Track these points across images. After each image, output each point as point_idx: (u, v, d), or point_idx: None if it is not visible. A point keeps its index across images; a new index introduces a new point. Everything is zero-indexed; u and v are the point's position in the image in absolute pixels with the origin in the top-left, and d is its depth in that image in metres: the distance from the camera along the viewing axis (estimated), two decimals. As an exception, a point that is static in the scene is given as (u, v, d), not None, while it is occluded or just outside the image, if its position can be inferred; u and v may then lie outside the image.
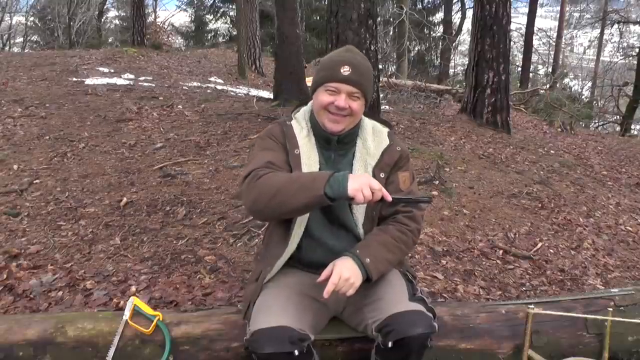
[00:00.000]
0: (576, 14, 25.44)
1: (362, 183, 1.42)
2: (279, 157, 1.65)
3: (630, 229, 3.92)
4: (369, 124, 1.76)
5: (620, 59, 18.94)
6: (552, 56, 19.19)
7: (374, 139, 1.72)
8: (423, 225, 1.74)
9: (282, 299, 1.58)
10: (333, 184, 1.42)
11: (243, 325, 1.67)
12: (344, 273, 1.50)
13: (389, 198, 1.46)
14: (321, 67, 1.68)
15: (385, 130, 1.77)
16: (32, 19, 23.28)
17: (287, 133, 1.70)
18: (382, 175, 1.67)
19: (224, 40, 21.79)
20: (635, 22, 18.47)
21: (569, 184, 4.77)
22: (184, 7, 22.60)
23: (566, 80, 18.71)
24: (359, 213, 1.67)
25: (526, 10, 14.64)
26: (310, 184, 1.43)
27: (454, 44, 20.10)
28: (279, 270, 1.68)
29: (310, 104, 1.76)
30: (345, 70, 1.60)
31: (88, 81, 8.06)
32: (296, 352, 1.45)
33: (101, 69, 9.58)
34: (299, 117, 1.76)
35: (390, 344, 1.47)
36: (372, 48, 4.72)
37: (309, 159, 1.66)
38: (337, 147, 1.70)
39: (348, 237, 1.69)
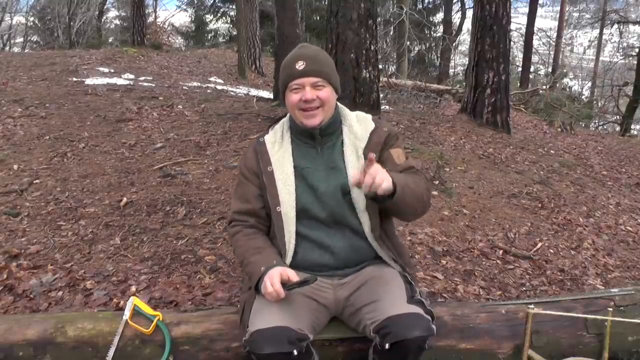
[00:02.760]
0: (576, 14, 25.45)
1: (264, 287, 1.56)
2: (250, 193, 1.75)
3: (630, 229, 3.92)
4: (351, 113, 1.79)
5: (620, 59, 18.94)
6: (552, 56, 19.19)
7: (359, 124, 1.75)
8: (430, 190, 1.74)
9: (280, 300, 1.58)
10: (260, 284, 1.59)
11: (242, 326, 1.67)
12: (378, 176, 1.44)
13: (282, 296, 1.54)
14: (281, 71, 1.71)
15: (369, 116, 1.80)
16: (32, 19, 23.27)
17: (259, 152, 1.75)
18: (373, 155, 1.65)
19: (224, 40, 21.78)
20: (635, 22, 18.48)
21: (569, 184, 4.77)
22: (184, 7, 22.60)
23: (566, 80, 18.69)
24: (359, 198, 1.66)
25: (526, 10, 14.63)
26: (250, 277, 1.65)
27: (454, 44, 20.10)
28: None
29: (289, 113, 1.78)
30: (300, 65, 1.63)
31: (88, 81, 8.06)
32: (295, 352, 1.45)
33: (101, 69, 9.57)
34: (277, 129, 1.79)
35: (387, 346, 1.47)
36: (372, 48, 4.73)
37: (282, 172, 1.70)
38: (322, 140, 1.72)
39: (345, 233, 1.69)
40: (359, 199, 1.66)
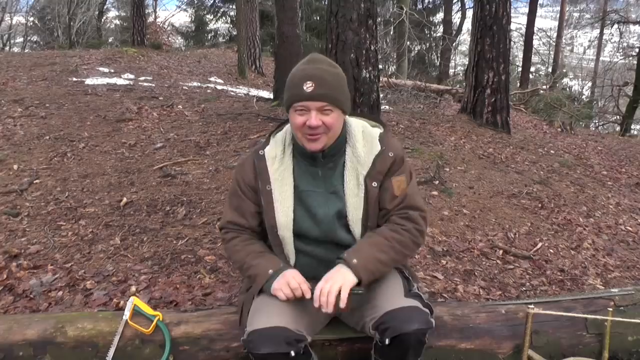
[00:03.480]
0: (576, 14, 25.45)
1: (281, 283, 1.54)
2: (246, 209, 1.68)
3: (630, 229, 3.92)
4: (358, 127, 1.66)
5: (620, 59, 18.93)
6: (552, 56, 19.18)
7: (364, 144, 1.63)
8: (425, 225, 1.66)
9: (278, 301, 1.57)
10: (267, 286, 1.57)
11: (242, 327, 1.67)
12: (323, 285, 1.49)
13: (309, 295, 1.54)
14: (287, 86, 1.58)
15: (377, 132, 1.67)
16: (32, 19, 23.26)
17: (258, 167, 1.65)
18: (374, 184, 1.60)
19: (224, 40, 21.76)
20: (635, 22, 18.46)
21: (569, 184, 4.77)
22: (184, 7, 22.59)
23: (566, 80, 18.69)
24: (356, 225, 1.63)
25: (526, 10, 14.62)
26: (254, 279, 1.61)
27: (454, 44, 20.10)
28: None
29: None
30: (308, 87, 1.50)
31: (88, 81, 8.07)
32: (292, 353, 1.45)
33: (101, 69, 9.58)
34: (278, 140, 1.68)
35: (387, 341, 1.47)
36: (372, 48, 4.72)
37: (282, 193, 1.62)
38: (324, 162, 1.63)
39: (341, 250, 1.64)
40: (355, 227, 1.63)
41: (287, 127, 1.69)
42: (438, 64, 20.89)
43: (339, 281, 1.49)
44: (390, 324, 1.47)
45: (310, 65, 1.56)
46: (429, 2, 22.19)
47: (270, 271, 1.57)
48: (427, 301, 1.62)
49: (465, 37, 21.37)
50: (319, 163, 1.63)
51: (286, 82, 1.60)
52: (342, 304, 1.48)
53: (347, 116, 1.65)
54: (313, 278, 1.68)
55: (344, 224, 1.63)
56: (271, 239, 1.68)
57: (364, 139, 1.64)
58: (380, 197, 1.63)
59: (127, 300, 1.84)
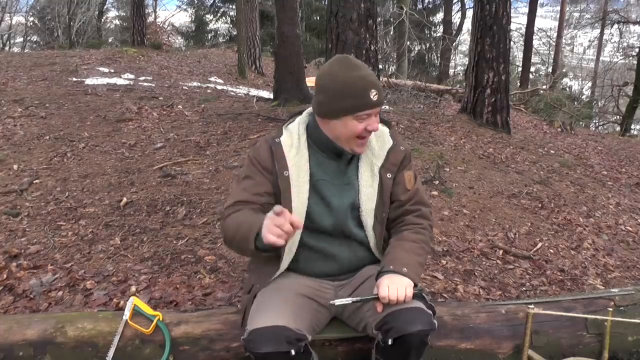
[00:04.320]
0: (576, 14, 25.44)
1: (267, 226, 1.35)
2: (258, 188, 1.61)
3: (630, 229, 3.92)
4: None
5: (620, 59, 18.94)
6: (552, 56, 19.18)
7: (377, 139, 1.69)
8: (433, 219, 1.75)
9: (279, 300, 1.58)
10: (259, 239, 1.42)
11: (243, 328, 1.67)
12: (392, 287, 1.49)
13: (300, 225, 1.41)
14: (345, 94, 1.52)
15: (386, 129, 1.73)
16: (32, 19, 23.27)
17: (275, 153, 1.63)
18: (389, 175, 1.66)
19: (224, 40, 21.78)
20: (635, 22, 18.46)
21: (569, 184, 4.77)
22: (184, 7, 22.61)
23: (566, 80, 18.70)
24: (368, 216, 1.66)
25: (526, 10, 14.63)
26: (246, 239, 1.46)
27: (454, 44, 20.11)
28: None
29: (306, 115, 1.70)
30: (374, 95, 1.53)
31: (88, 81, 8.07)
32: (293, 352, 1.45)
33: (101, 69, 9.58)
34: (292, 130, 1.67)
35: (390, 342, 1.47)
36: (372, 48, 4.73)
37: (299, 179, 1.62)
38: (346, 157, 1.66)
39: (351, 244, 1.69)
40: (367, 217, 1.66)
41: (300, 118, 1.71)
42: (438, 64, 20.90)
43: (404, 284, 1.50)
44: (393, 324, 1.47)
45: (362, 72, 1.55)
46: (429, 2, 22.22)
47: (256, 230, 1.43)
48: (430, 302, 1.62)
49: (465, 37, 21.38)
50: (343, 158, 1.66)
51: (335, 89, 1.53)
52: (409, 299, 1.51)
53: None
54: (312, 274, 1.69)
55: (356, 216, 1.66)
56: None
57: (376, 134, 1.67)
58: (393, 190, 1.68)
59: (127, 300, 1.84)
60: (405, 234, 1.67)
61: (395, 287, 1.49)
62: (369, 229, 1.67)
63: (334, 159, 1.66)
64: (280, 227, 1.32)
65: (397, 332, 1.46)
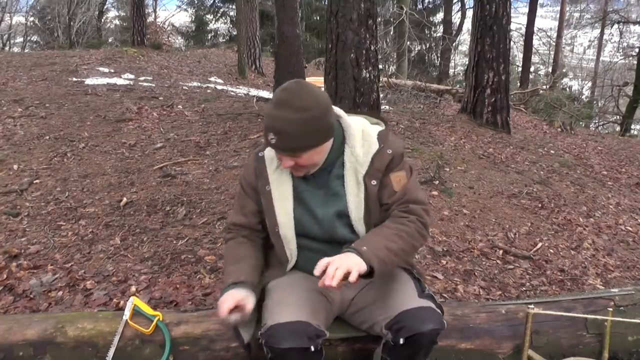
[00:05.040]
0: (576, 14, 25.44)
1: (222, 299, 1.53)
2: (248, 208, 1.70)
3: (630, 229, 3.92)
4: (358, 127, 1.62)
5: (620, 59, 18.95)
6: (552, 56, 19.18)
7: (362, 144, 1.60)
8: (428, 218, 1.63)
9: (297, 295, 1.57)
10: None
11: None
12: (329, 263, 1.39)
13: (223, 314, 1.51)
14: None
15: (376, 131, 1.63)
16: (32, 19, 23.28)
17: (257, 169, 1.65)
18: (373, 182, 1.58)
19: (224, 40, 21.79)
20: (635, 22, 18.46)
21: (569, 184, 4.77)
22: (184, 7, 22.62)
23: (566, 80, 18.70)
24: (359, 224, 1.61)
25: (526, 10, 14.62)
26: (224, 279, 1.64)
27: (454, 44, 20.11)
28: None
29: None
30: (272, 138, 1.46)
31: (88, 81, 8.07)
32: (312, 348, 1.44)
33: (101, 69, 9.58)
34: None
35: (401, 341, 1.46)
36: (372, 48, 4.72)
37: (281, 193, 1.62)
38: (317, 173, 1.61)
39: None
40: (359, 226, 1.61)
41: None
42: (438, 64, 20.90)
43: (348, 263, 1.39)
44: (405, 323, 1.46)
45: (276, 110, 1.45)
46: (429, 2, 22.22)
47: (230, 281, 1.58)
48: (439, 302, 1.62)
49: (465, 37, 21.38)
50: (323, 171, 1.61)
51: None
52: (353, 279, 1.36)
53: (346, 116, 1.64)
54: (313, 274, 1.69)
55: (347, 223, 1.62)
56: (273, 238, 1.68)
57: (363, 138, 1.61)
58: (379, 194, 1.61)
59: (127, 300, 1.84)
60: (385, 222, 1.60)
61: (335, 265, 1.37)
62: (362, 234, 1.62)
63: (316, 172, 1.61)
64: (220, 305, 1.51)
65: (409, 331, 1.45)
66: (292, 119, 1.43)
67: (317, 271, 1.39)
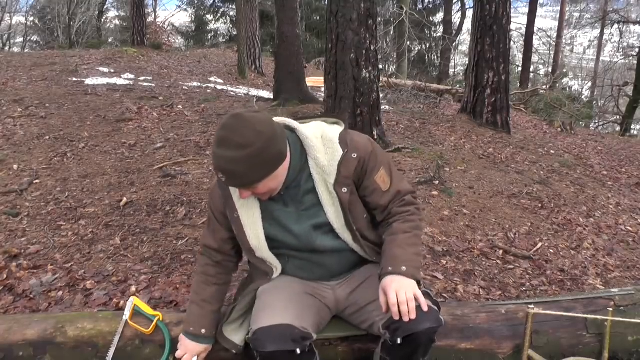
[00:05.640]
0: (576, 14, 25.46)
1: (179, 344, 1.68)
2: (219, 235, 1.69)
3: (630, 229, 3.92)
4: (315, 135, 1.55)
5: (620, 59, 18.95)
6: (552, 56, 19.18)
7: (325, 151, 1.53)
8: (419, 202, 1.66)
9: (283, 298, 1.57)
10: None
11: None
12: (392, 296, 1.43)
13: None
14: None
15: (336, 133, 1.56)
16: (32, 19, 23.29)
17: (223, 195, 1.62)
18: (344, 190, 1.54)
19: (224, 40, 21.80)
20: (635, 22, 18.46)
21: (569, 184, 4.78)
22: (184, 7, 22.63)
23: (566, 80, 18.70)
24: (344, 232, 1.60)
25: (526, 10, 14.62)
26: (185, 320, 1.71)
27: (454, 44, 20.12)
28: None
29: None
30: (221, 177, 1.43)
31: (88, 81, 8.07)
32: (298, 351, 1.45)
33: (101, 69, 9.58)
34: None
35: (399, 341, 1.46)
36: (372, 48, 4.72)
37: (249, 218, 1.59)
38: (286, 191, 1.57)
39: (333, 254, 1.64)
40: (344, 234, 1.59)
41: None
42: (438, 64, 20.91)
43: (407, 286, 1.44)
44: (401, 323, 1.46)
45: (219, 150, 1.39)
46: (429, 2, 22.24)
47: (191, 329, 1.65)
48: (435, 299, 1.62)
49: (465, 37, 21.39)
50: (290, 189, 1.57)
51: None
52: (424, 307, 1.44)
53: (301, 127, 1.56)
54: (307, 278, 1.69)
55: (327, 232, 1.60)
56: (252, 260, 1.67)
57: (325, 145, 1.54)
58: (369, 200, 1.61)
59: (127, 300, 1.84)
60: (395, 226, 1.60)
61: (403, 291, 1.43)
62: (351, 243, 1.62)
63: (282, 190, 1.56)
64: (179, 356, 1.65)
65: (407, 330, 1.45)
66: (235, 157, 1.38)
67: (395, 316, 1.44)
